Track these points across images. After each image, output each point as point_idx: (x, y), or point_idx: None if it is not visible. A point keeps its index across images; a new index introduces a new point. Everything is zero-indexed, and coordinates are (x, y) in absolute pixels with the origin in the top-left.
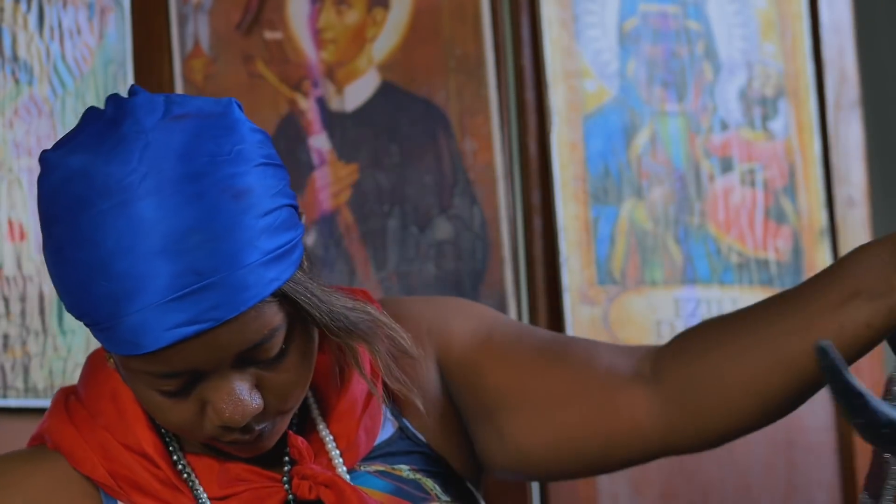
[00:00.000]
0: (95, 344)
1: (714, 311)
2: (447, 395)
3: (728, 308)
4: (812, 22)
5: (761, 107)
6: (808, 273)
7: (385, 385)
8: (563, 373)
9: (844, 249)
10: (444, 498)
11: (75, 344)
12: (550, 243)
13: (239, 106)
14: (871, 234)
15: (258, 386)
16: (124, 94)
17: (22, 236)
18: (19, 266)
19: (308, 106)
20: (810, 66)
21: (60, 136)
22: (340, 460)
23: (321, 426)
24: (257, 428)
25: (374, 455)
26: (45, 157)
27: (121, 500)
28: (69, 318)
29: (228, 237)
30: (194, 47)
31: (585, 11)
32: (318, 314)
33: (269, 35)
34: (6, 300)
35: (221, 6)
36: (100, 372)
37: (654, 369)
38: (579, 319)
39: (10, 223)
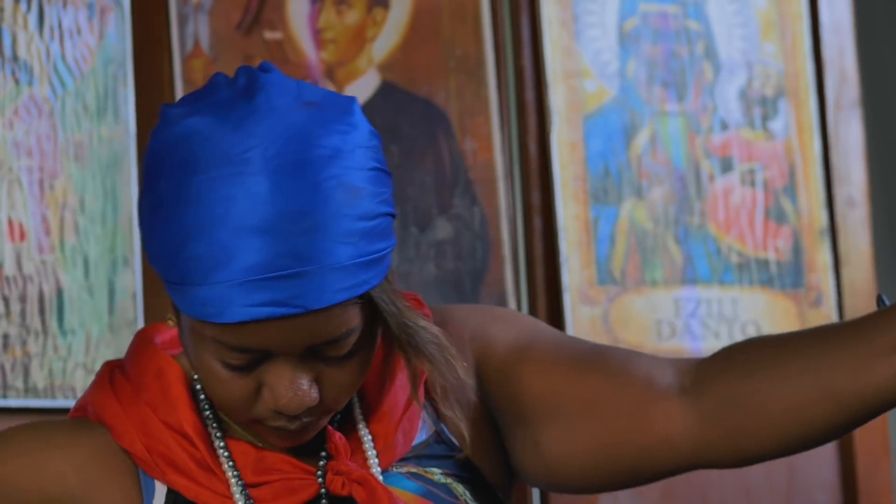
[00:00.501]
0: (95, 344)
1: (714, 311)
2: (484, 402)
3: (728, 308)
4: (812, 22)
5: (761, 107)
6: (808, 273)
7: (426, 387)
8: (599, 382)
9: (844, 249)
10: (469, 452)
11: (75, 344)
12: (550, 243)
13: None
14: (871, 234)
15: (317, 380)
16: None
17: (22, 236)
18: (19, 266)
19: None
20: (810, 66)
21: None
22: (376, 461)
23: (361, 425)
24: (304, 420)
25: (407, 456)
26: (166, 112)
27: (156, 478)
28: (69, 318)
29: (334, 230)
30: (194, 47)
31: (585, 11)
32: (394, 325)
33: (269, 35)
34: (6, 300)
35: (221, 6)
36: (146, 349)
37: (695, 382)
38: (579, 319)
39: (10, 223)
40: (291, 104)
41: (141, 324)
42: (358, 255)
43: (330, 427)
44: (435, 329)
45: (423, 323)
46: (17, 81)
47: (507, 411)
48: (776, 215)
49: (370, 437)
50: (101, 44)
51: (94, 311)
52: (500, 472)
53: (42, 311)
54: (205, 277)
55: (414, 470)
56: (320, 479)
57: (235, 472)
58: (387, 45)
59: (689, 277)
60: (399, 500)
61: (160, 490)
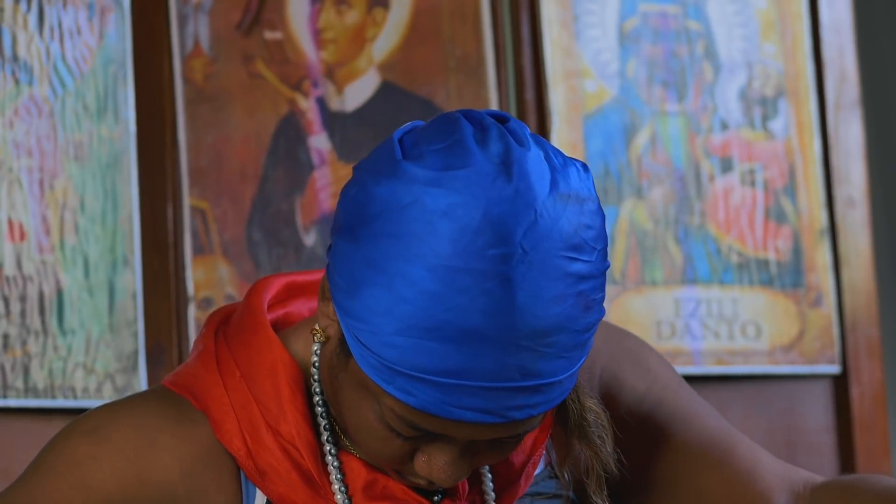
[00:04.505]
0: (95, 344)
1: (714, 311)
2: None
3: (728, 308)
4: (812, 22)
5: (761, 107)
6: (808, 273)
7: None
8: (720, 480)
9: (844, 249)
10: None
11: (75, 344)
12: None
13: (587, 170)
14: (871, 234)
15: (475, 452)
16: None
17: (22, 236)
18: (19, 266)
19: (308, 106)
20: (810, 66)
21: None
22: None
23: None
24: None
25: (528, 492)
26: (405, 168)
27: (257, 485)
28: (69, 318)
29: (562, 347)
30: (194, 47)
31: (585, 11)
32: (573, 420)
33: (269, 35)
34: (6, 300)
35: (221, 6)
36: (260, 334)
37: None
38: None
39: (10, 223)
40: (548, 197)
41: (141, 324)
42: (571, 367)
43: None
44: (598, 409)
45: (593, 406)
46: (17, 81)
47: (620, 468)
48: (776, 215)
49: (490, 476)
50: (101, 44)
51: (94, 311)
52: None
53: (42, 311)
54: (412, 365)
55: None
56: None
57: (344, 491)
58: (387, 45)
59: (689, 277)
60: None
61: (259, 500)
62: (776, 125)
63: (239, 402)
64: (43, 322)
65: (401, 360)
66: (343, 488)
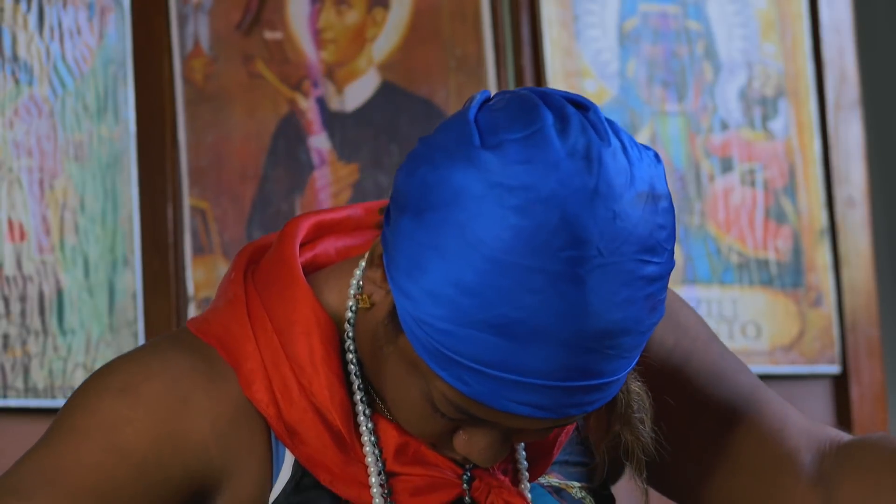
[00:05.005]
0: (95, 344)
1: (714, 311)
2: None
3: (728, 308)
4: (812, 22)
5: (761, 107)
6: (808, 273)
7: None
8: (746, 442)
9: (844, 249)
10: None
11: (75, 344)
12: None
13: (658, 159)
14: (871, 234)
15: (512, 438)
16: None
17: (22, 236)
18: (19, 266)
19: (308, 106)
20: (810, 66)
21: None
22: (526, 474)
23: None
24: None
25: (554, 461)
26: (483, 161)
27: (287, 446)
28: (69, 318)
29: (625, 348)
30: (194, 47)
31: (585, 11)
32: (621, 408)
33: (269, 35)
34: (6, 300)
35: (221, 6)
36: (294, 286)
37: (832, 477)
38: None
39: (10, 223)
40: (625, 193)
41: (141, 324)
42: (629, 366)
43: None
44: (641, 391)
45: (638, 390)
46: (17, 81)
47: None
48: (776, 215)
49: (523, 444)
50: (101, 44)
51: (94, 311)
52: (616, 468)
53: (42, 311)
54: (472, 357)
55: (557, 483)
56: (465, 485)
57: (377, 455)
58: (387, 45)
59: (689, 277)
60: None
61: (288, 460)
62: (776, 125)
63: (271, 359)
64: (43, 322)
65: (459, 350)
66: (377, 451)
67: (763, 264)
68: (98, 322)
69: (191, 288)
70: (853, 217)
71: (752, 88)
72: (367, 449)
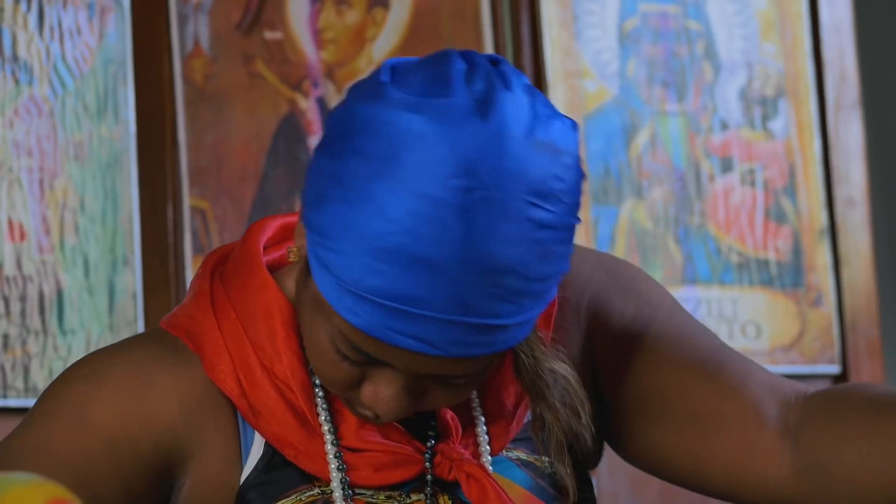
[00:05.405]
0: (95, 344)
1: (714, 311)
2: (588, 373)
3: (728, 308)
4: (812, 22)
5: (761, 107)
6: (808, 273)
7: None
8: (710, 397)
9: (844, 249)
10: (576, 499)
11: (75, 344)
12: None
13: (574, 128)
14: (871, 234)
15: (424, 391)
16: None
17: (22, 236)
18: (19, 266)
19: (308, 106)
20: (810, 66)
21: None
22: (488, 447)
23: (475, 403)
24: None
25: (519, 437)
26: (388, 90)
27: (254, 427)
28: (69, 318)
29: (511, 290)
30: (194, 47)
31: (585, 11)
32: (526, 374)
33: (269, 35)
34: (6, 300)
35: (221, 6)
36: (256, 275)
37: (797, 426)
38: None
39: (10, 223)
40: (520, 139)
41: (141, 324)
42: (521, 314)
43: None
44: (564, 372)
45: (555, 367)
46: (17, 81)
47: (612, 393)
48: (776, 215)
49: (483, 419)
50: (101, 44)
51: (94, 311)
52: (592, 448)
53: (42, 311)
54: (360, 284)
55: (525, 457)
56: (427, 462)
57: (333, 433)
58: (387, 45)
59: (689, 277)
60: (508, 501)
61: (258, 441)
62: (776, 125)
63: (234, 343)
64: (43, 322)
65: (352, 279)
66: (332, 428)
67: (763, 264)
68: (98, 322)
69: None
70: (853, 217)
71: (752, 88)
72: (325, 427)
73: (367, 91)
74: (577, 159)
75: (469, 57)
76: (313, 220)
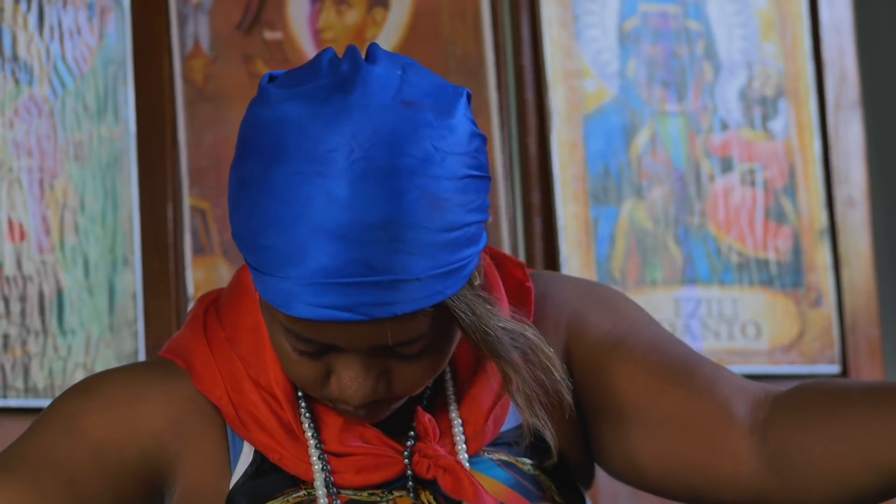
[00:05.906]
0: (95, 344)
1: (714, 311)
2: (574, 389)
3: (728, 308)
4: (812, 22)
5: (761, 107)
6: (808, 273)
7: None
8: (681, 398)
9: (844, 249)
10: (559, 500)
11: (75, 344)
12: (550, 243)
13: (469, 97)
14: (871, 234)
15: (386, 371)
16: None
17: (22, 236)
18: (19, 266)
19: None
20: (810, 66)
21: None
22: (464, 446)
23: (452, 407)
24: (372, 409)
25: (500, 442)
26: (267, 89)
27: (242, 436)
28: (69, 318)
29: (412, 243)
30: (194, 47)
31: (585, 11)
32: (472, 332)
33: (269, 35)
34: (6, 300)
35: (221, 6)
36: (245, 298)
37: (765, 422)
38: None
39: (10, 223)
40: (387, 104)
41: (141, 324)
42: (435, 267)
43: (420, 408)
44: (528, 332)
45: (508, 325)
46: (17, 81)
47: (587, 402)
48: (776, 215)
49: (460, 420)
50: (101, 44)
51: (94, 311)
52: (582, 463)
53: (42, 311)
54: (276, 270)
55: (506, 458)
56: (407, 460)
57: (316, 438)
58: (387, 45)
59: (688, 277)
60: (484, 494)
61: (247, 450)
62: (776, 125)
63: (223, 358)
64: (43, 322)
65: (270, 268)
66: (315, 434)
67: (763, 264)
68: (98, 322)
69: (191, 288)
70: (853, 217)
71: (752, 88)
72: (309, 433)
73: (254, 100)
74: (465, 119)
75: (347, 49)
76: (234, 228)
